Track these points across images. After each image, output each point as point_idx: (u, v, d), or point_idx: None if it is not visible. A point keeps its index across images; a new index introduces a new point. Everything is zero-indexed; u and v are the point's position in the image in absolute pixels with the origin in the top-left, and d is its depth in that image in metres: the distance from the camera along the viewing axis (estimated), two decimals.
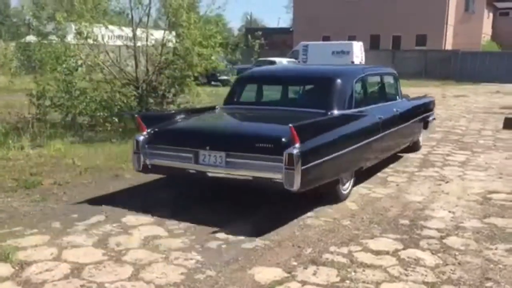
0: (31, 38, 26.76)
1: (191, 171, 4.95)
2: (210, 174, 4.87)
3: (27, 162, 7.17)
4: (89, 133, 9.19)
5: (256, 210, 5.21)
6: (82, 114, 9.52)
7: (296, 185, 4.35)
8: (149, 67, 9.93)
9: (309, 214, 5.14)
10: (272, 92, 6.94)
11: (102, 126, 9.09)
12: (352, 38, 33.01)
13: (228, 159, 4.73)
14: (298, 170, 4.29)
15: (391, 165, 7.55)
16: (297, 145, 4.34)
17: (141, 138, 5.16)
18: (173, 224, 4.73)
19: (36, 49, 24.48)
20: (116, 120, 8.94)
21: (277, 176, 4.42)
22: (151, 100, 9.56)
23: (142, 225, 4.68)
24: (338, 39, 32.64)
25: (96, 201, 5.41)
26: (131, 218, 4.86)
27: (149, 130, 5.19)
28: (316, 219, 5.00)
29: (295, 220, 4.95)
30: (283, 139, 4.48)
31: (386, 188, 6.29)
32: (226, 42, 10.18)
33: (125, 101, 9.25)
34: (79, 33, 8.86)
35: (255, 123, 5.76)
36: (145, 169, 5.21)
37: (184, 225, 4.71)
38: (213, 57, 9.69)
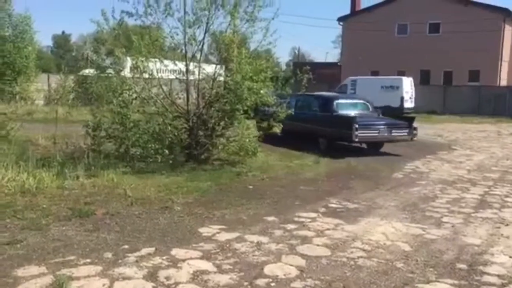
0: (88, 71, 28.17)
1: None
2: None
3: (81, 191, 7.39)
4: (140, 164, 9.40)
5: (305, 245, 5.12)
6: (135, 145, 9.77)
7: None
8: (200, 100, 10.15)
9: (360, 253, 4.99)
10: None
11: (153, 157, 9.28)
12: (401, 73, 32.60)
13: None
14: None
15: (446, 205, 7.27)
16: None
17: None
18: (221, 259, 4.70)
19: (93, 82, 25.66)
20: (167, 152, 9.11)
21: None
22: (201, 133, 9.71)
23: (191, 259, 4.67)
24: (387, 73, 32.31)
25: (146, 233, 5.47)
26: (180, 251, 4.87)
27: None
28: (368, 259, 4.84)
29: (345, 259, 4.81)
30: None
31: (440, 229, 6.03)
32: (276, 76, 10.27)
33: (176, 133, 9.44)
34: (135, 67, 9.21)
35: None
36: None
37: (232, 260, 4.67)
38: (262, 91, 9.78)
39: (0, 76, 21.44)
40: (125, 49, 9.25)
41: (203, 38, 10.05)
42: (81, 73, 30.96)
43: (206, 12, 9.93)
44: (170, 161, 9.19)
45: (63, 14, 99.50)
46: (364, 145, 13.39)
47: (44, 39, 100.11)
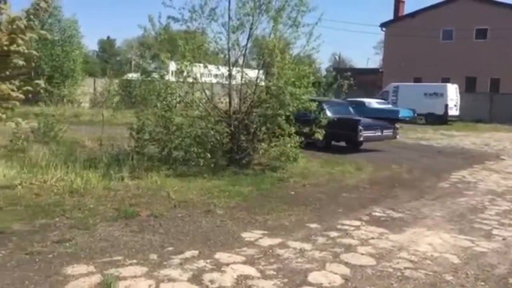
0: (132, 75, 28.84)
1: None
2: None
3: (126, 192, 7.54)
4: (182, 167, 9.51)
5: (350, 253, 5.03)
6: (177, 148, 9.91)
7: None
8: (241, 105, 10.19)
9: (406, 264, 4.85)
10: None
11: (195, 161, 9.37)
12: (445, 80, 31.78)
13: None
14: None
15: (496, 217, 7.00)
16: None
17: None
18: (264, 264, 4.68)
19: (137, 85, 26.20)
20: (209, 155, 9.18)
21: None
22: (242, 137, 9.74)
23: (235, 263, 4.67)
24: (430, 80, 31.58)
25: (190, 235, 5.51)
26: (223, 255, 4.88)
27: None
28: (415, 271, 4.70)
29: (391, 270, 4.69)
30: None
31: (491, 242, 5.80)
32: (318, 82, 10.19)
33: (218, 137, 9.51)
34: (180, 71, 9.35)
35: None
36: None
37: (275, 266, 4.64)
38: (304, 97, 9.73)
39: (49, 79, 22.21)
40: (170, 54, 9.40)
41: (246, 43, 10.11)
42: (125, 77, 31.84)
43: (250, 18, 9.98)
44: (212, 165, 9.25)
45: (109, 19, 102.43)
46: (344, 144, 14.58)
47: (90, 44, 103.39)
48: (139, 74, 28.62)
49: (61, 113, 14.74)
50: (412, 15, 38.89)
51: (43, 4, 7.80)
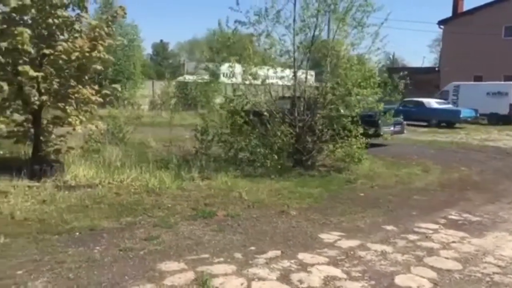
0: (188, 77, 29.44)
1: None
2: None
3: (199, 192, 7.76)
4: (248, 168, 9.66)
5: (433, 257, 4.97)
6: (243, 149, 10.08)
7: None
8: (306, 106, 10.22)
9: (494, 269, 4.74)
10: None
11: (261, 162, 9.51)
12: (508, 78, 30.42)
13: None
14: None
15: None
16: None
17: None
18: (348, 266, 4.70)
19: (193, 88, 26.64)
20: (276, 157, 9.28)
21: None
22: (308, 139, 9.78)
23: (319, 264, 4.72)
24: (492, 79, 30.30)
25: (269, 236, 5.62)
26: (306, 256, 4.94)
27: None
28: (504, 276, 4.58)
29: (480, 275, 4.60)
30: None
31: None
32: (384, 82, 10.08)
33: (284, 139, 9.59)
34: (248, 74, 9.51)
35: None
36: None
37: (360, 268, 4.66)
38: (371, 98, 9.66)
39: (112, 82, 23.10)
40: (238, 56, 9.59)
41: (311, 45, 10.13)
42: (179, 79, 32.66)
43: (314, 19, 10.02)
44: (279, 166, 9.34)
45: (162, 23, 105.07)
46: None
47: (145, 48, 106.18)
48: (194, 76, 29.26)
49: (129, 116, 15.36)
50: (472, 11, 37.46)
51: (120, 12, 8.18)
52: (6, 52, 7.05)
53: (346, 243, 5.41)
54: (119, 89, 8.86)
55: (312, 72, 12.16)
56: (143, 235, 5.48)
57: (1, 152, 10.60)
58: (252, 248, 5.15)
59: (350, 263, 4.78)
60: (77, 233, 5.48)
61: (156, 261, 4.65)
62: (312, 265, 4.69)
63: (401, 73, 10.80)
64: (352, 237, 5.67)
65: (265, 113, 9.63)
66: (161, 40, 79.86)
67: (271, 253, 4.98)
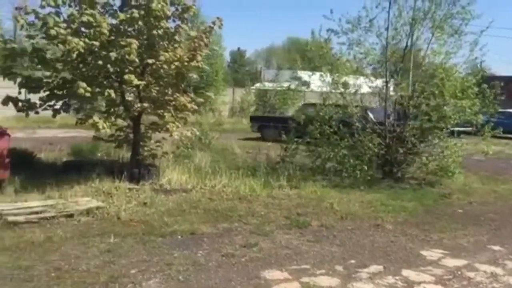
0: (260, 84, 29.74)
1: None
2: None
3: (290, 201, 7.79)
4: (336, 179, 9.55)
5: None
6: (330, 159, 9.99)
7: None
8: (396, 116, 9.96)
9: None
10: None
11: (349, 172, 9.37)
12: None
13: None
14: None
15: None
16: None
17: None
18: (457, 287, 4.48)
19: (272, 95, 26.82)
20: (366, 168, 9.11)
21: None
22: (400, 150, 9.50)
23: (425, 282, 4.56)
24: None
25: (367, 249, 5.51)
26: (410, 273, 4.79)
27: None
28: None
29: None
30: None
31: None
32: (482, 93, 9.57)
33: (375, 149, 9.38)
34: (343, 84, 9.44)
35: None
36: None
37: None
38: (468, 110, 9.21)
39: (196, 89, 23.86)
40: (330, 66, 9.55)
41: (404, 54, 9.87)
42: (255, 86, 33.10)
43: (407, 28, 9.76)
44: (368, 177, 9.16)
45: (240, 31, 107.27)
46: None
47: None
48: (272, 84, 29.48)
49: (214, 122, 15.84)
50: None
51: (217, 22, 8.44)
52: (114, 62, 7.49)
53: (451, 262, 5.17)
54: (213, 97, 9.09)
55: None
56: (242, 241, 5.57)
57: (99, 155, 11.32)
58: (352, 261, 5.07)
59: (459, 284, 4.56)
60: (179, 236, 5.69)
61: (259, 269, 4.70)
62: (419, 283, 4.52)
63: (492, 82, 10.23)
64: (457, 256, 5.41)
65: (357, 123, 9.48)
66: (238, 48, 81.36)
67: (373, 268, 4.87)
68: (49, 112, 8.49)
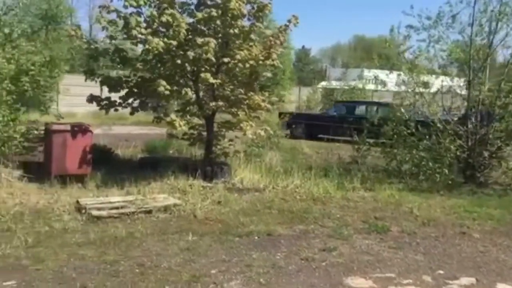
0: (325, 83, 29.27)
1: None
2: None
3: (365, 204, 7.54)
4: (412, 182, 9.14)
5: None
6: (406, 161, 9.58)
7: None
8: (480, 118, 9.37)
9: None
10: None
11: (427, 176, 8.94)
12: None
13: None
14: None
15: None
16: None
17: None
18: None
19: (339, 94, 26.36)
20: (446, 171, 8.64)
21: None
22: (485, 154, 8.93)
23: None
24: None
25: (455, 259, 5.17)
26: (507, 287, 4.43)
27: None
28: None
29: None
30: None
31: None
32: None
33: (457, 152, 8.88)
34: (424, 83, 9.03)
35: None
36: None
37: None
38: None
39: (262, 88, 23.93)
40: (410, 64, 9.15)
41: (489, 51, 9.27)
42: (321, 85, 32.66)
43: (494, 24, 9.16)
44: (449, 182, 8.68)
45: (304, 29, 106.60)
46: None
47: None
48: (340, 82, 28.99)
49: (278, 121, 15.75)
50: None
51: (293, 20, 8.32)
52: (192, 61, 7.57)
53: None
54: (286, 95, 9.01)
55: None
56: (320, 245, 5.42)
57: (171, 152, 11.56)
58: (440, 271, 4.77)
59: None
60: (256, 237, 5.62)
61: (341, 275, 4.53)
62: None
63: None
64: None
65: (438, 124, 9.01)
66: (303, 46, 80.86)
67: (464, 280, 4.55)
68: (123, 110, 8.75)
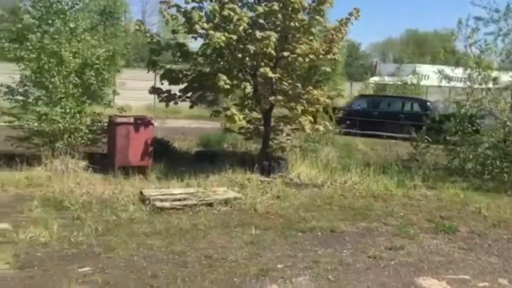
0: (376, 78, 28.58)
1: None
2: None
3: (428, 203, 7.30)
4: (476, 181, 8.77)
5: None
6: (469, 160, 9.21)
7: None
8: None
9: None
10: None
11: (493, 175, 8.55)
12: None
13: None
14: None
15: None
16: None
17: None
18: None
19: (391, 90, 25.75)
20: None
21: None
22: None
23: None
24: None
25: None
26: None
27: None
28: None
29: None
30: None
31: None
32: None
33: None
34: (493, 78, 8.64)
35: None
36: None
37: None
38: None
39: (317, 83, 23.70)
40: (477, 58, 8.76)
41: None
42: (372, 80, 31.95)
43: None
44: None
45: (355, 24, 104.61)
46: None
47: None
48: (393, 78, 28.23)
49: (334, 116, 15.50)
50: None
51: (354, 14, 8.14)
52: (252, 55, 7.55)
53: None
54: (344, 90, 8.85)
55: None
56: (386, 243, 5.28)
57: (225, 146, 11.63)
58: None
59: None
60: (319, 233, 5.55)
61: (412, 275, 4.39)
62: None
63: None
64: None
65: (508, 122, 8.59)
66: (353, 41, 79.45)
67: None
68: (175, 104, 8.89)
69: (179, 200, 6.44)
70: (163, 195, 6.57)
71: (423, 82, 29.71)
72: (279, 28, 8.12)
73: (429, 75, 33.57)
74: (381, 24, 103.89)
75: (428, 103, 17.24)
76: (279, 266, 4.46)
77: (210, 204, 6.41)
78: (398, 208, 6.86)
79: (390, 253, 4.97)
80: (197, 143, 11.86)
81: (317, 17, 8.14)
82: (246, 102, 8.50)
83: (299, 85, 8.57)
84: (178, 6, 8.14)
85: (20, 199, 6.36)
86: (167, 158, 8.83)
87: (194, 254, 4.66)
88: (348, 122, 14.67)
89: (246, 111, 8.41)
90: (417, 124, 11.42)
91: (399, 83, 27.36)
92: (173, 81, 8.55)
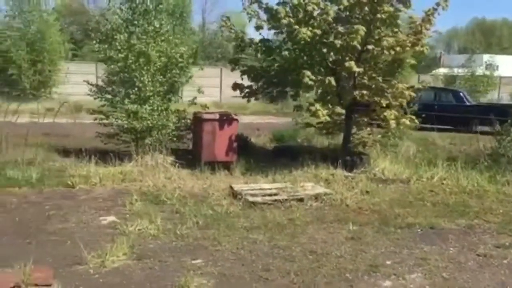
0: (458, 70, 27.52)
1: None
2: None
3: None
4: None
5: None
6: None
7: None
8: None
9: None
10: None
11: None
12: None
13: None
14: None
15: None
16: None
17: None
18: None
19: (461, 82, 24.80)
20: None
21: None
22: None
23: None
24: None
25: None
26: None
27: None
28: None
29: None
30: None
31: None
32: None
33: None
34: None
35: None
36: None
37: None
38: None
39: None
40: None
41: None
42: (438, 72, 30.79)
43: None
44: None
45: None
46: None
47: None
48: (463, 69, 27.10)
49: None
50: None
51: (442, 3, 7.86)
52: (338, 50, 7.48)
53: None
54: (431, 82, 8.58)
55: None
56: (493, 241, 5.08)
57: (299, 141, 11.62)
58: None
59: None
60: (419, 230, 5.42)
61: None
62: None
63: None
64: None
65: None
66: None
67: None
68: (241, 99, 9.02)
69: (270, 195, 6.49)
70: (253, 190, 6.65)
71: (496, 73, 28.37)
72: (362, 21, 7.98)
73: (498, 66, 32.01)
74: (445, 14, 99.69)
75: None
76: (387, 262, 4.39)
77: (300, 200, 6.41)
78: (495, 205, 6.57)
79: (499, 251, 4.78)
80: (270, 138, 11.92)
81: (402, 8, 7.92)
82: (328, 97, 8.42)
83: (380, 79, 8.39)
84: (259, 2, 8.19)
85: (118, 193, 6.65)
86: (247, 153, 8.93)
87: (298, 248, 4.68)
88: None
89: (329, 106, 8.32)
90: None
91: (469, 74, 26.23)
92: (255, 77, 8.63)
